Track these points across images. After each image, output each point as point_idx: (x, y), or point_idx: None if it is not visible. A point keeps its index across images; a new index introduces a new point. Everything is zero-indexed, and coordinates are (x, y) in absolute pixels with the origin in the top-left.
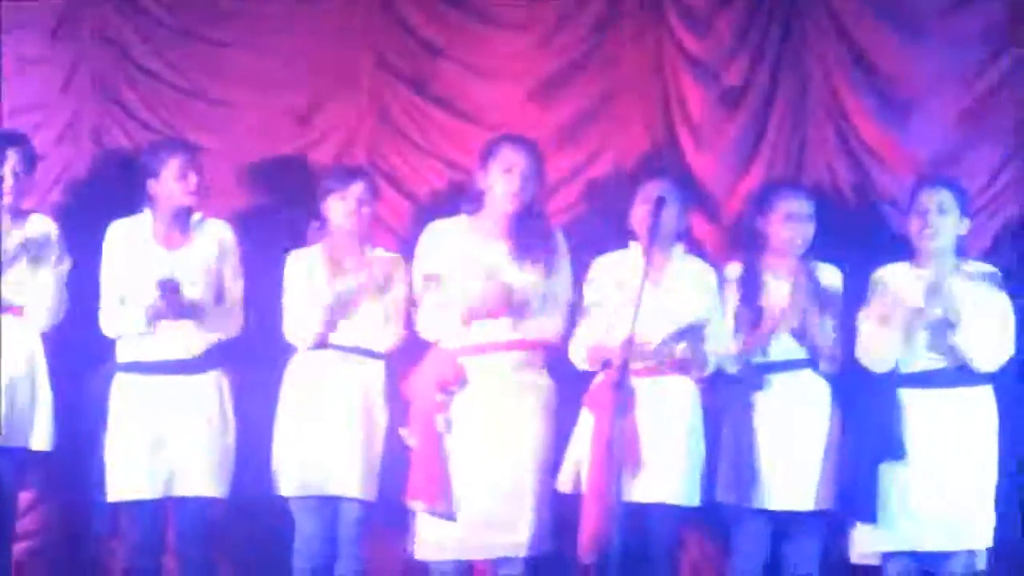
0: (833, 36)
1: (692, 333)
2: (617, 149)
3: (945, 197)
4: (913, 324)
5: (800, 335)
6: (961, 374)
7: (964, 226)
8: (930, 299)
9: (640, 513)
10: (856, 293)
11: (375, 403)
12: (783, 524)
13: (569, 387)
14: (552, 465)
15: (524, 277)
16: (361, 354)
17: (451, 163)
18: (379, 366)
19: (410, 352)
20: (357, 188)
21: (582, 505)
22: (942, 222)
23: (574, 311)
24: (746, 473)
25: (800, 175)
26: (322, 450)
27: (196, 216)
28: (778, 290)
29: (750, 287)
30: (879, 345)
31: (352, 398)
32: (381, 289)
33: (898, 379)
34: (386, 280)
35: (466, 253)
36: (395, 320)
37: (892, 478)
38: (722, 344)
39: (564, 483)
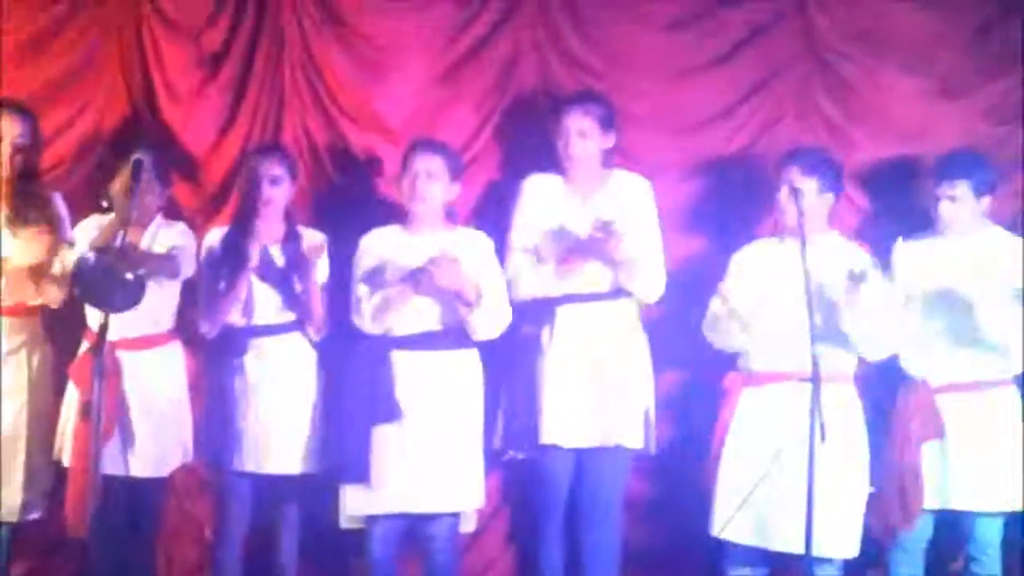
0: None
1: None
2: (100, 110)
3: (435, 163)
4: (402, 288)
5: (288, 299)
6: (451, 337)
7: (454, 191)
8: (424, 264)
9: (129, 483)
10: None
11: None
12: (270, 487)
13: None
14: (48, 432)
15: (20, 242)
16: None
17: None
18: None
19: None
20: None
21: (68, 476)
22: (430, 187)
23: None
24: (228, 437)
25: (278, 137)
26: None
27: None
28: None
29: (233, 251)
30: (369, 308)
31: None
32: None
33: (390, 342)
34: None
35: None
36: None
37: (382, 440)
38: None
39: (57, 452)
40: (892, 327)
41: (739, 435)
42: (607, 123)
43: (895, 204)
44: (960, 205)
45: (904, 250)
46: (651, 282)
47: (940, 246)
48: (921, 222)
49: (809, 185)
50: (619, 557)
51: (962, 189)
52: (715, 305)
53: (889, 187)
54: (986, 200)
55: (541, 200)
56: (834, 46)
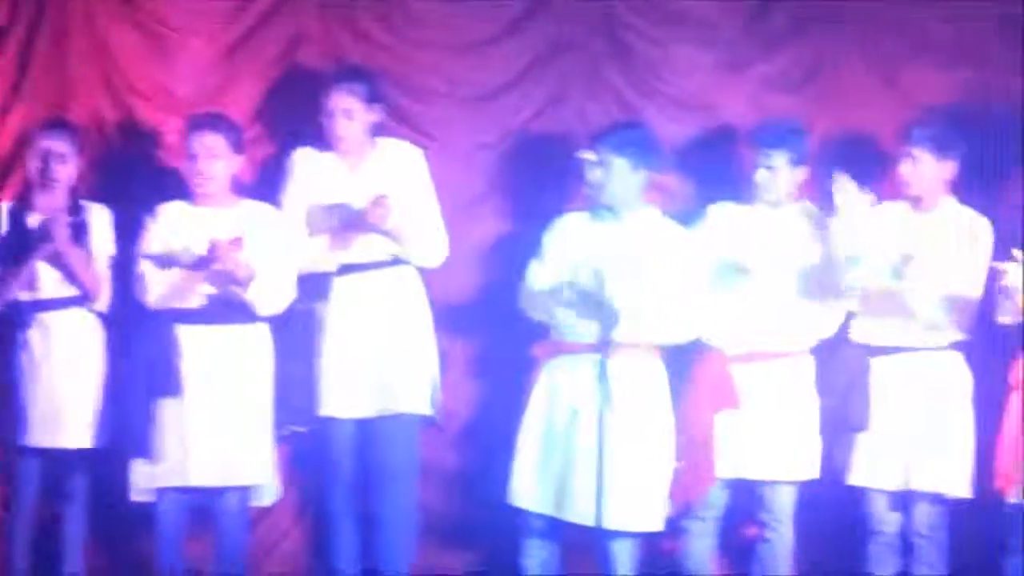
0: None
1: None
2: None
3: (215, 140)
4: (189, 276)
5: (68, 273)
6: (237, 311)
7: (236, 164)
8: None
9: None
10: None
11: None
12: (59, 461)
13: None
14: None
15: None
16: None
17: None
18: None
19: None
20: None
21: None
22: (211, 165)
23: None
24: (15, 411)
25: (66, 112)
26: None
27: None
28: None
29: (19, 227)
30: (155, 288)
31: None
32: None
33: (175, 315)
34: None
35: None
36: None
37: (164, 414)
38: None
39: None
40: (688, 310)
41: (541, 403)
42: (372, 98)
43: (706, 174)
44: (776, 174)
45: (714, 215)
46: (429, 248)
47: (748, 214)
48: (733, 191)
49: (620, 162)
50: (415, 525)
51: (779, 159)
52: (529, 280)
53: (698, 158)
54: (801, 171)
55: (310, 173)
56: (623, 19)
